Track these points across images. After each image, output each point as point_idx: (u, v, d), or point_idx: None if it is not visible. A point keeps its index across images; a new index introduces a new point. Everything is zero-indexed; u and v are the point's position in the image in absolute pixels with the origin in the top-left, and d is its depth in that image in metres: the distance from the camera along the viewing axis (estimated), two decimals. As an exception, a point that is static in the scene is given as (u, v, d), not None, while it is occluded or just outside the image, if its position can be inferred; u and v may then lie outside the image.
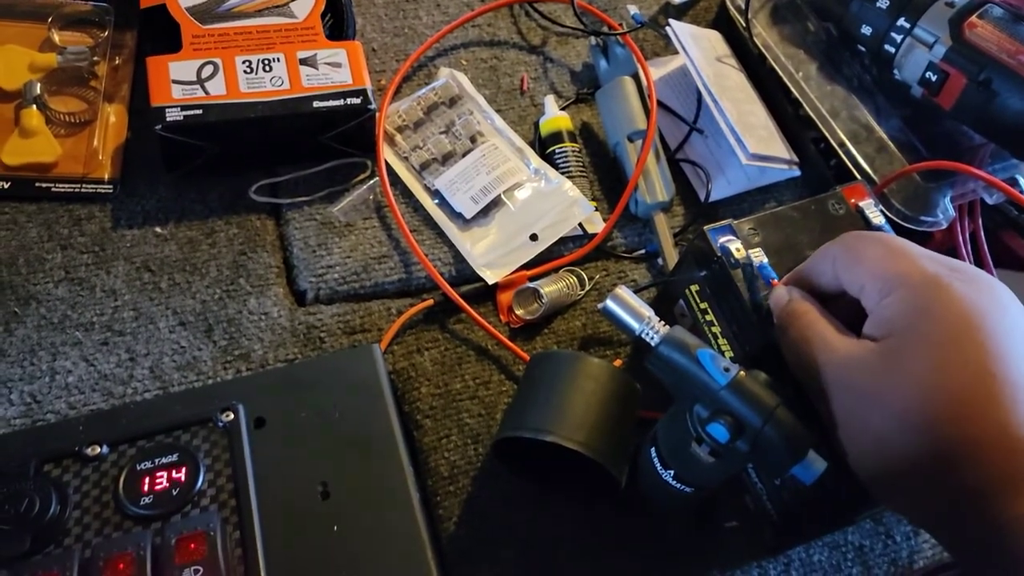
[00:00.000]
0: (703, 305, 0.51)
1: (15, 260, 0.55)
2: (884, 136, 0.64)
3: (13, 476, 0.44)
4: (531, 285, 0.59)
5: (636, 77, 0.67)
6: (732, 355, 0.49)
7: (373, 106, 0.60)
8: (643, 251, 0.63)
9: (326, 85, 0.59)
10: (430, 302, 0.58)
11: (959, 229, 0.63)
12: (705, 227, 0.49)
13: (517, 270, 0.60)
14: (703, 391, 0.39)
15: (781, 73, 0.67)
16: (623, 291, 0.42)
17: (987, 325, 0.36)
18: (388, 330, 0.56)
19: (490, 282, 0.59)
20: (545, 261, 0.61)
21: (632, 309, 0.41)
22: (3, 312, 0.53)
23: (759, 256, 0.47)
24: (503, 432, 0.49)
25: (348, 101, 0.59)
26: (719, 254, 0.48)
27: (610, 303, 0.42)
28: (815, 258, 0.43)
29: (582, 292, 0.61)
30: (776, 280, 0.46)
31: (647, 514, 0.52)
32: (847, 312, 0.41)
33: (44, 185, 0.58)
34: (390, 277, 0.59)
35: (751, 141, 0.63)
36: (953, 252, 0.63)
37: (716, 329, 0.50)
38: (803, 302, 0.42)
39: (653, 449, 0.45)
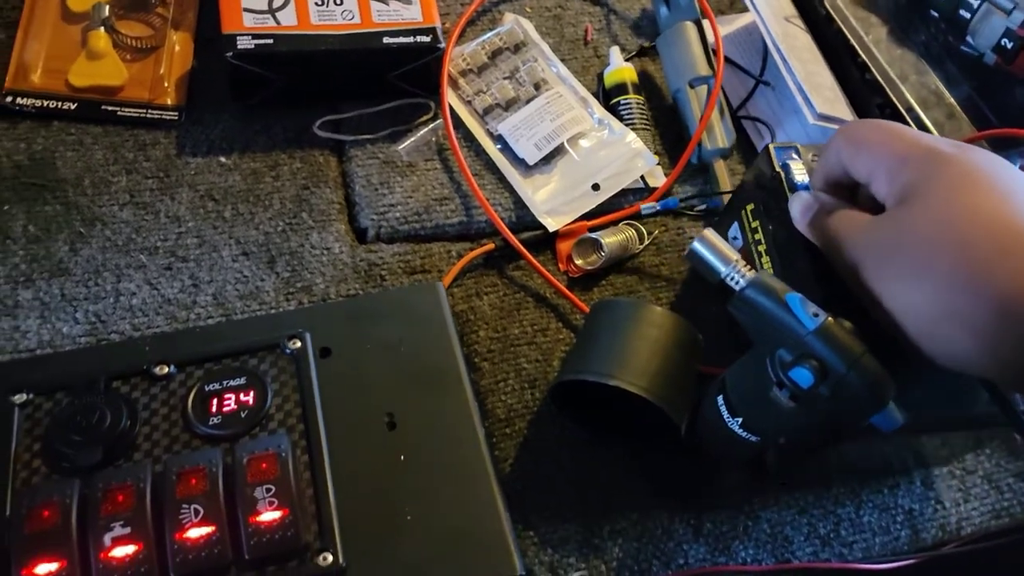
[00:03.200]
0: (755, 224, 0.51)
1: (81, 181, 0.55)
2: (954, 102, 0.63)
3: (83, 390, 0.44)
4: (591, 236, 0.58)
5: (698, 24, 0.66)
6: (772, 271, 0.49)
7: (442, 45, 0.59)
8: (704, 207, 0.63)
9: (396, 21, 0.58)
10: (491, 246, 0.58)
11: (1025, 201, 0.63)
12: (771, 144, 0.49)
13: (577, 219, 0.60)
14: (789, 335, 0.38)
15: (849, 35, 0.66)
16: (711, 233, 0.41)
17: (990, 173, 0.38)
18: (449, 271, 0.56)
19: (551, 229, 0.59)
20: (605, 212, 0.61)
21: (719, 251, 0.41)
22: (69, 232, 0.53)
23: (802, 176, 0.47)
24: (564, 375, 0.48)
25: (418, 39, 0.58)
26: (778, 169, 0.48)
27: (697, 245, 0.41)
28: (823, 156, 0.44)
29: (641, 246, 0.60)
30: None
31: (700, 463, 0.52)
32: (872, 199, 0.42)
33: (110, 108, 0.57)
34: (451, 220, 0.59)
35: (818, 101, 0.62)
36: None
37: (762, 247, 0.50)
38: (829, 201, 0.43)
39: (720, 397, 0.45)
